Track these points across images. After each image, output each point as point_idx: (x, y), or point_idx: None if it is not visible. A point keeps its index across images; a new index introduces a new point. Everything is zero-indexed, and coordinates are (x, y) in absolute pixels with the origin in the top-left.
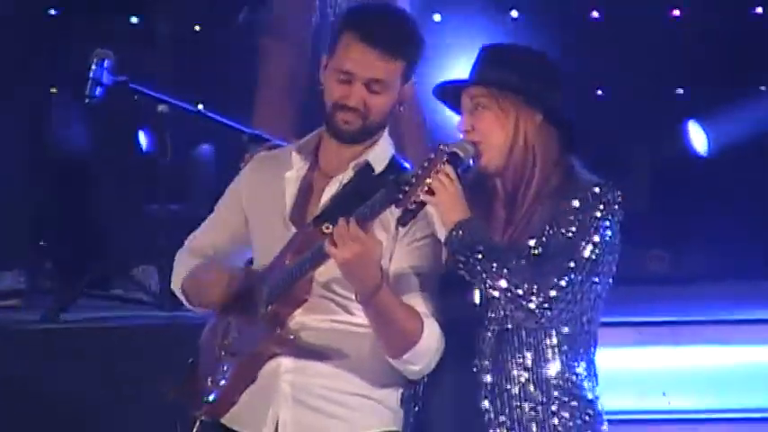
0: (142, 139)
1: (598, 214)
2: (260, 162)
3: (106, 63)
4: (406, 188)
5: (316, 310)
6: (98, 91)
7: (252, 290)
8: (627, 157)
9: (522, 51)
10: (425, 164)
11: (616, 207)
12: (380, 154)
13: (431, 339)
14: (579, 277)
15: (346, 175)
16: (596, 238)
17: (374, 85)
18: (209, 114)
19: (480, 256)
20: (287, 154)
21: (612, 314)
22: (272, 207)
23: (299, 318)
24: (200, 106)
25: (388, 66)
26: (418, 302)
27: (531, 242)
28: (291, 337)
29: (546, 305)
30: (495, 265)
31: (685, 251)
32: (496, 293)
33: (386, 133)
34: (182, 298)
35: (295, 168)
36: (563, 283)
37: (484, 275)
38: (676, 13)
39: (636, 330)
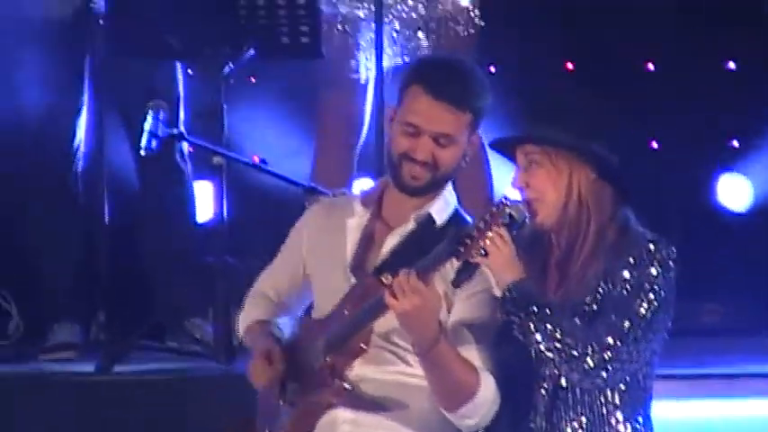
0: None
1: (654, 272)
2: (322, 208)
3: (161, 115)
4: (468, 241)
5: (374, 361)
6: (154, 143)
7: (310, 340)
8: (676, 208)
9: (575, 105)
10: (487, 218)
11: (671, 263)
12: (443, 206)
13: (487, 393)
14: (634, 336)
15: (408, 227)
16: (651, 296)
17: (442, 139)
18: (266, 167)
19: (534, 318)
20: (350, 202)
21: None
22: (333, 255)
23: (357, 369)
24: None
25: (456, 119)
26: (474, 356)
27: (586, 299)
28: (349, 387)
29: (602, 366)
30: (548, 325)
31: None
32: (551, 354)
33: (449, 186)
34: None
35: (357, 216)
36: (619, 343)
37: (538, 336)
38: (731, 65)
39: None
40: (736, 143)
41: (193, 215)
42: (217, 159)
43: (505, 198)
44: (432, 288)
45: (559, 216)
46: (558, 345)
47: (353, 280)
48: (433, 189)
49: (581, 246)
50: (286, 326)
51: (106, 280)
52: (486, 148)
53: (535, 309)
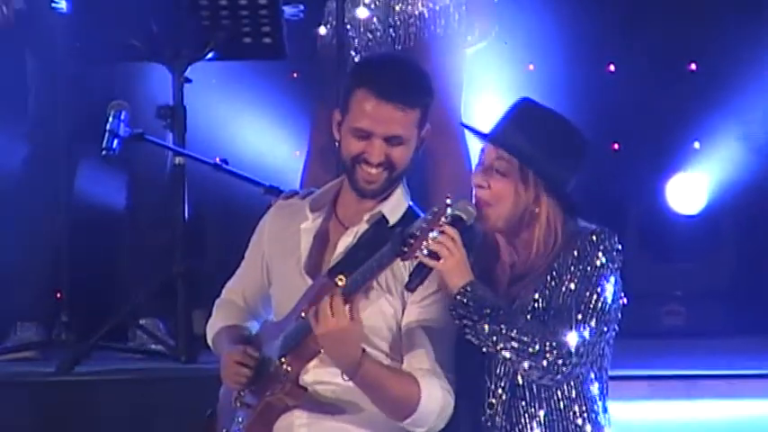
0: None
1: (598, 263)
2: (279, 211)
3: (123, 115)
4: (411, 241)
5: (329, 363)
6: (115, 143)
7: (268, 342)
8: (630, 207)
9: (554, 122)
10: (430, 217)
11: (615, 253)
12: (396, 205)
13: (431, 404)
14: (588, 328)
15: (361, 227)
16: (599, 288)
17: (393, 139)
18: (228, 167)
19: (488, 319)
20: (303, 206)
21: (627, 367)
22: (289, 257)
23: (313, 371)
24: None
25: (406, 118)
26: (424, 360)
27: (535, 296)
28: (305, 389)
29: (560, 361)
30: (503, 326)
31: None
32: (508, 354)
33: (403, 184)
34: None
35: (311, 219)
36: (575, 336)
37: (494, 339)
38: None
39: (648, 384)
40: (697, 144)
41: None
42: (178, 160)
43: (450, 198)
44: (355, 311)
45: (509, 223)
46: (514, 344)
47: (309, 281)
48: (388, 189)
49: (530, 248)
50: (255, 329)
51: (68, 280)
52: (466, 143)
53: (488, 310)
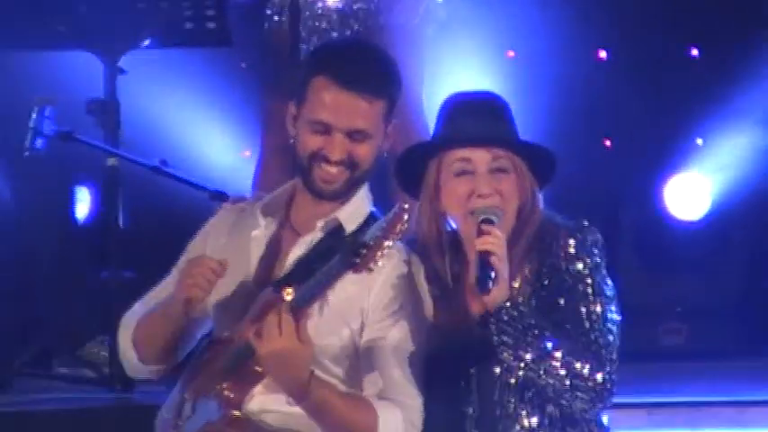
0: (86, 196)
1: (591, 263)
2: (225, 215)
3: (48, 111)
4: (364, 251)
5: (276, 388)
6: (39, 143)
7: (210, 362)
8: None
9: (507, 106)
10: (385, 225)
11: (597, 247)
12: (354, 212)
13: (387, 429)
14: (610, 335)
15: (315, 236)
16: (590, 290)
17: (357, 134)
18: (169, 170)
19: (533, 340)
20: (255, 208)
21: (623, 394)
22: (237, 268)
23: (259, 397)
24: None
25: (371, 110)
26: (383, 384)
27: (519, 300)
28: (248, 418)
29: (608, 386)
30: (552, 348)
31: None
32: (551, 380)
33: (365, 188)
34: (134, 361)
35: (263, 225)
36: (610, 350)
37: (538, 363)
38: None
39: (647, 412)
40: (700, 141)
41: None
42: (111, 161)
43: (406, 201)
44: (304, 329)
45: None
46: (561, 371)
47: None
48: (349, 191)
49: (518, 248)
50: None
51: None
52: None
53: (535, 331)
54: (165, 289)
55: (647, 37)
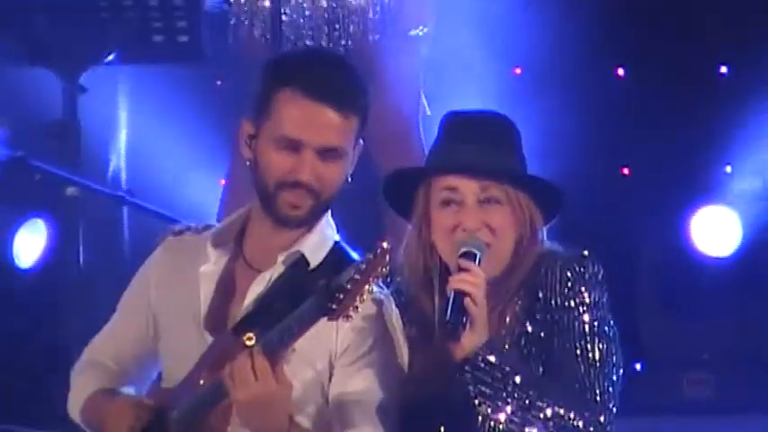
0: (43, 229)
1: (589, 300)
2: (168, 249)
3: (0, 134)
4: (341, 296)
5: None
6: None
7: (161, 415)
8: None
9: (511, 130)
10: (364, 266)
11: (597, 280)
12: (317, 242)
13: None
14: (607, 380)
15: (276, 270)
16: (604, 339)
17: (328, 153)
18: (134, 200)
19: (516, 388)
20: (202, 242)
21: None
22: (184, 309)
23: None
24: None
25: (344, 124)
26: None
27: (505, 340)
28: None
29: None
30: (535, 397)
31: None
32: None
33: (328, 215)
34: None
35: (212, 261)
36: (607, 398)
37: (521, 413)
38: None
39: None
40: (729, 169)
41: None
42: (70, 190)
43: (386, 241)
44: (281, 373)
45: (508, 259)
46: (549, 422)
47: (210, 339)
48: (314, 219)
49: (509, 283)
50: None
51: None
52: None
53: (517, 378)
54: (113, 334)
55: (669, 52)
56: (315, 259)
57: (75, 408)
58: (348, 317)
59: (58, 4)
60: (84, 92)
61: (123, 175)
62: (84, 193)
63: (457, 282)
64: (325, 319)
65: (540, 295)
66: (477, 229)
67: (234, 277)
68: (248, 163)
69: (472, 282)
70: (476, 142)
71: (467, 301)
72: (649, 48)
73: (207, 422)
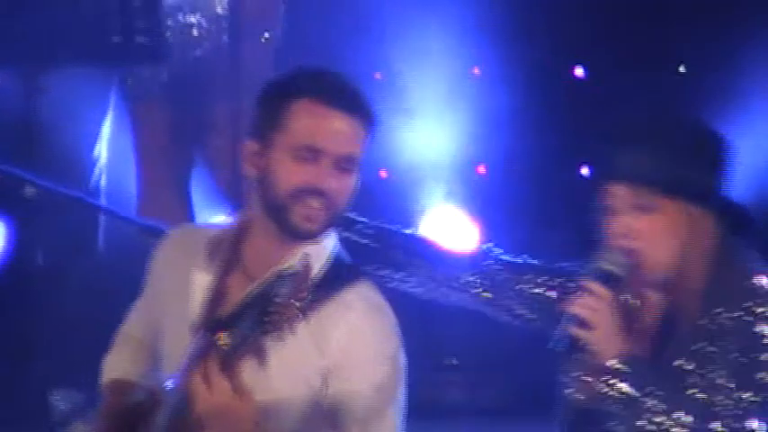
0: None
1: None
2: (171, 242)
3: None
4: (272, 310)
5: None
6: None
7: (151, 412)
8: None
9: (690, 128)
10: (289, 283)
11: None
12: (319, 251)
13: None
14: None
15: (267, 280)
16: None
17: (345, 163)
18: (93, 201)
19: (653, 401)
20: (197, 245)
21: None
22: (180, 305)
23: None
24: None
25: (360, 134)
26: None
27: (681, 360)
28: None
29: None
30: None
31: None
32: None
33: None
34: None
35: (206, 267)
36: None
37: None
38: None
39: None
40: None
41: None
42: (28, 191)
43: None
44: (238, 382)
45: (673, 270)
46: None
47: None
48: (323, 233)
49: (683, 297)
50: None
51: None
52: None
53: (652, 387)
54: (142, 305)
55: (629, 50)
56: (314, 269)
57: (105, 377)
58: (283, 328)
59: (14, 3)
60: (43, 93)
61: (82, 176)
62: (42, 193)
63: (577, 306)
64: (263, 334)
65: (719, 318)
66: (624, 236)
67: (228, 285)
68: (253, 179)
69: (592, 311)
70: (639, 145)
71: (580, 330)
72: (609, 44)
73: (192, 421)
